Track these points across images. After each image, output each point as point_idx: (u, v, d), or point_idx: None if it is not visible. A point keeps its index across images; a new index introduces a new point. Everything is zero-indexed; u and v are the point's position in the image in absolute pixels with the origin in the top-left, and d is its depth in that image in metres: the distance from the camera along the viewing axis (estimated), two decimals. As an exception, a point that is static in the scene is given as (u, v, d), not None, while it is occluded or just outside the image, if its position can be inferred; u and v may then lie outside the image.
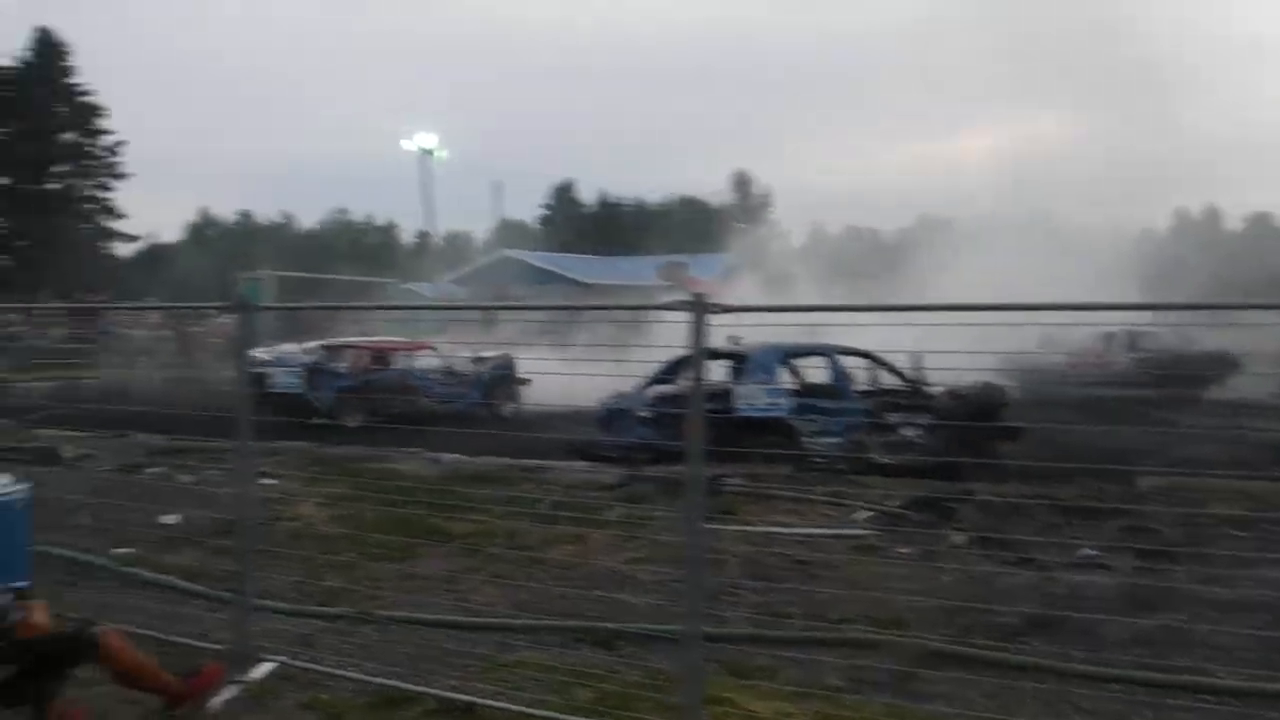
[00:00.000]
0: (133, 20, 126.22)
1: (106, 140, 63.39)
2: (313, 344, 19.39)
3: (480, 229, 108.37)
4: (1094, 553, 7.74)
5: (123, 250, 69.70)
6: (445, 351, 19.86)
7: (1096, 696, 5.68)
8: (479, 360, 19.69)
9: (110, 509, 9.47)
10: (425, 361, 20.18)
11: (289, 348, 18.67)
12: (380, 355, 20.06)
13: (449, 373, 19.63)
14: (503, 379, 18.95)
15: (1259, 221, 68.33)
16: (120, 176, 64.11)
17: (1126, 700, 5.65)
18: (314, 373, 18.41)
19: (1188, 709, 5.52)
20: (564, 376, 6.67)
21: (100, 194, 64.02)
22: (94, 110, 62.43)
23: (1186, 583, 7.07)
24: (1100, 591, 7.09)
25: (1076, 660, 6.09)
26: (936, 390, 11.99)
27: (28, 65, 60.23)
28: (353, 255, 75.31)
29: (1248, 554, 7.35)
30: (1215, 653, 6.16)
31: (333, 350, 19.56)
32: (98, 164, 63.45)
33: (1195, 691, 5.71)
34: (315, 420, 16.10)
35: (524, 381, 16.98)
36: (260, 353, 16.15)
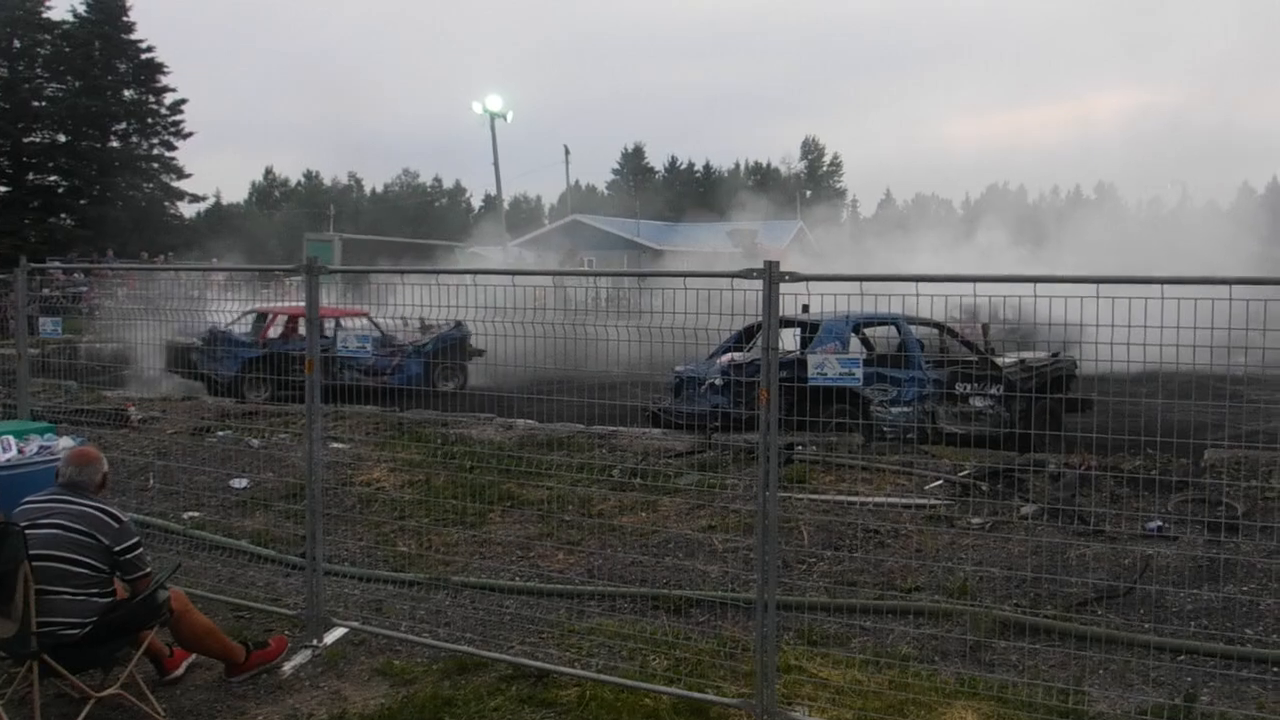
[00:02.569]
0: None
1: (168, 99, 63.48)
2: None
3: (549, 193, 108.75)
4: (1161, 524, 7.70)
5: (187, 211, 70.31)
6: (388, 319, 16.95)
7: (1164, 667, 5.71)
8: (425, 329, 17.25)
9: (180, 472, 9.72)
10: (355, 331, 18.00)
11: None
12: (295, 323, 17.99)
13: (382, 343, 16.63)
14: (450, 350, 16.69)
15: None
16: (183, 135, 64.23)
17: (1194, 670, 5.66)
18: (213, 342, 15.99)
19: (1256, 680, 5.51)
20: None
21: (163, 153, 64.18)
22: (156, 68, 62.50)
23: (1253, 555, 7.02)
24: (1168, 563, 7.07)
25: (1144, 631, 6.11)
26: (1006, 361, 11.91)
27: (86, 21, 60.07)
28: (420, 218, 75.62)
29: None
30: (1281, 625, 6.15)
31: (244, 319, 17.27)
32: (160, 122, 63.51)
33: (1262, 663, 5.71)
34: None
35: (478, 353, 14.04)
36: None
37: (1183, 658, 5.83)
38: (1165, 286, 4.30)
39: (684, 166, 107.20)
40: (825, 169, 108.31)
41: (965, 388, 12.11)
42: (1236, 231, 37.65)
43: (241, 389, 16.24)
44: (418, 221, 70.85)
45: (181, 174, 64.47)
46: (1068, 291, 4.72)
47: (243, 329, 17.30)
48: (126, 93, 62.50)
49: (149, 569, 5.40)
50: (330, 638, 6.37)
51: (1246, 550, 7.13)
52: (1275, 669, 5.64)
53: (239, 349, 16.89)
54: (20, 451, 7.27)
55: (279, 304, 17.69)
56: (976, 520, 8.17)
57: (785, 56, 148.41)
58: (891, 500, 8.73)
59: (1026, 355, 11.86)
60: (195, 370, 14.41)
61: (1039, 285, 4.67)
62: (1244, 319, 4.49)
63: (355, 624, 6.49)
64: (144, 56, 61.94)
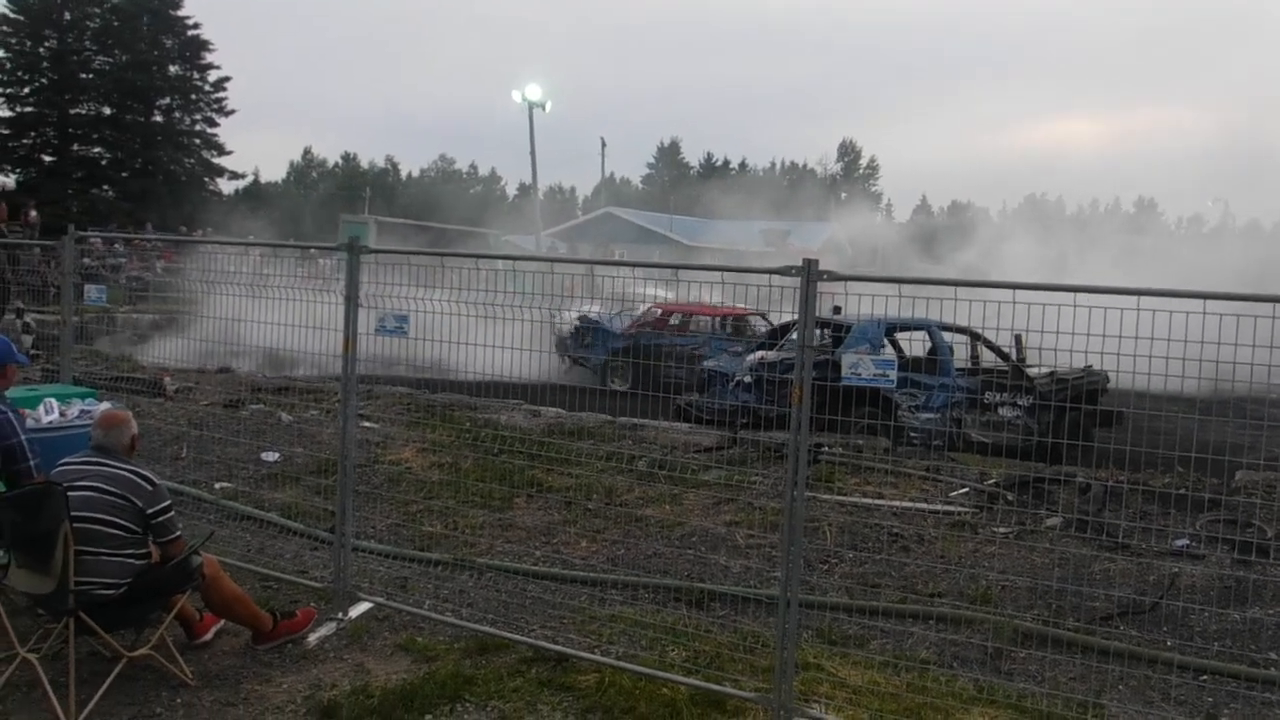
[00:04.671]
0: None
1: (212, 76, 63.80)
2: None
3: (584, 184, 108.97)
4: (1188, 543, 7.67)
5: (226, 187, 70.46)
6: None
7: (1185, 686, 5.69)
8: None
9: (213, 443, 9.83)
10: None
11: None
12: (669, 317, 17.79)
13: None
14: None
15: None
16: (226, 113, 64.54)
17: (1215, 690, 5.64)
18: (582, 331, 16.79)
19: (1279, 704, 5.49)
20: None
21: (205, 129, 64.42)
22: (201, 44, 62.77)
23: (1280, 577, 7.00)
24: (1194, 581, 7.04)
25: (1167, 648, 6.10)
26: (1037, 372, 11.87)
27: None
28: (455, 204, 75.84)
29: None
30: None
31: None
32: (203, 99, 63.81)
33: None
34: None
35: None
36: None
37: (1205, 677, 5.81)
38: (1208, 301, 4.29)
39: (719, 163, 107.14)
40: (861, 171, 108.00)
41: (995, 397, 12.08)
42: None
43: (606, 375, 16.46)
44: (452, 207, 71.01)
45: (222, 150, 64.87)
46: (1107, 302, 4.71)
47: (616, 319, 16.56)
48: (172, 68, 62.77)
49: (180, 532, 5.49)
50: (355, 612, 6.46)
51: (1275, 573, 7.09)
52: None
53: (608, 338, 16.97)
54: (62, 415, 7.37)
55: (673, 299, 16.57)
56: (1001, 529, 8.16)
57: (826, 57, 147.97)
58: (917, 505, 8.73)
59: (1059, 367, 11.83)
60: (567, 354, 15.10)
61: (1078, 295, 4.66)
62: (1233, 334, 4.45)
63: (380, 600, 6.56)
64: (190, 33, 62.24)
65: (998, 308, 5.16)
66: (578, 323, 16.43)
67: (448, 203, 74.94)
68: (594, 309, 15.12)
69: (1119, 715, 5.37)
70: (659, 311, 17.33)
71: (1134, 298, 4.51)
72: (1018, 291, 4.93)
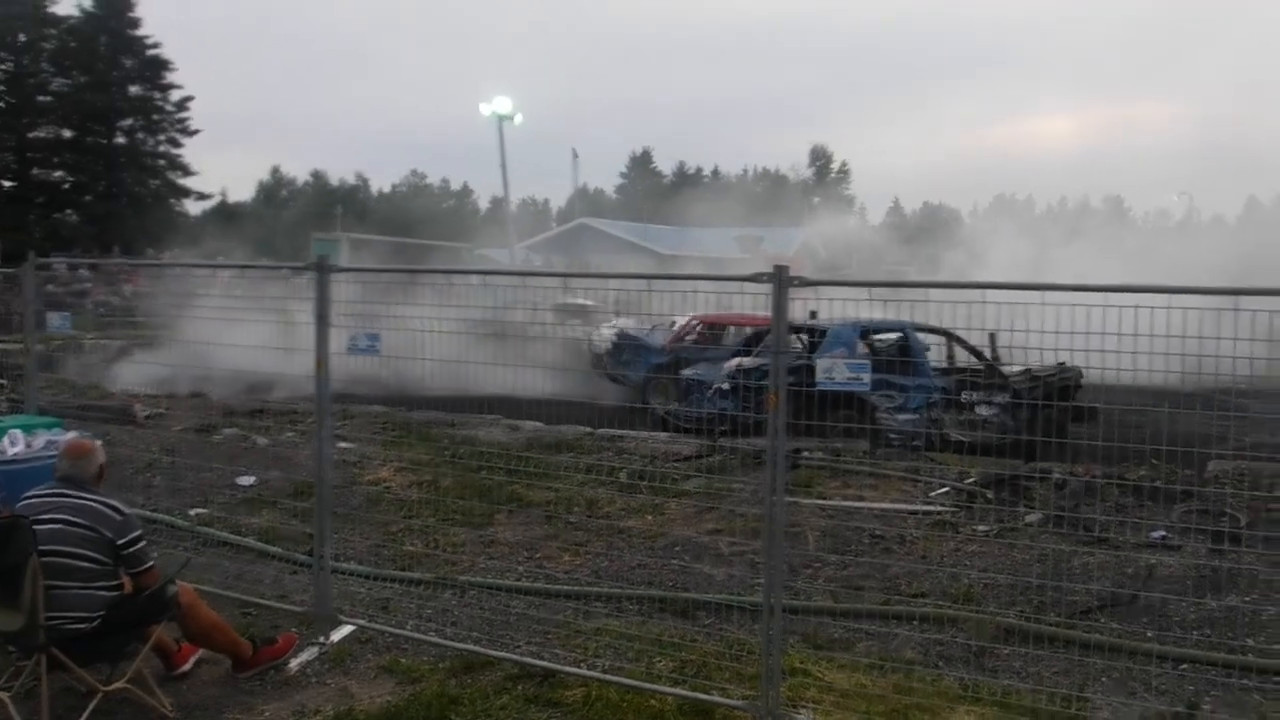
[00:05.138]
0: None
1: (175, 95, 62.77)
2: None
3: (557, 196, 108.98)
4: (1165, 534, 7.73)
5: (194, 208, 69.73)
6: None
7: (1167, 675, 5.72)
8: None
9: (186, 469, 9.73)
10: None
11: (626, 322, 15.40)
12: (714, 330, 16.92)
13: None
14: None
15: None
16: (190, 133, 63.53)
17: (1196, 679, 5.67)
18: (620, 347, 15.83)
19: (1257, 689, 5.54)
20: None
21: (169, 150, 63.45)
22: (162, 64, 61.82)
23: (1255, 565, 7.04)
24: (1171, 572, 7.09)
25: (1147, 639, 6.13)
26: (1013, 370, 11.93)
27: (92, 16, 59.32)
28: (428, 219, 75.60)
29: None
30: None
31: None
32: (166, 119, 62.81)
33: (1264, 672, 5.73)
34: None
35: None
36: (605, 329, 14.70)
37: (1185, 666, 5.83)
38: (1173, 296, 4.32)
39: (692, 171, 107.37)
40: (833, 176, 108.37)
41: (971, 396, 12.13)
42: (1242, 244, 37.62)
43: (646, 393, 15.34)
44: (425, 222, 70.81)
45: (188, 171, 64.09)
46: (1074, 300, 4.73)
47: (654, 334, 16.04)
48: (132, 89, 61.84)
49: (153, 562, 5.42)
50: (337, 635, 6.40)
51: (1249, 560, 7.15)
52: (1276, 678, 5.65)
53: (648, 353, 16.07)
54: (28, 446, 7.29)
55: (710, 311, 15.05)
56: (982, 527, 8.19)
57: (796, 63, 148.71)
58: (897, 506, 8.75)
59: (1033, 364, 11.89)
60: (606, 371, 14.08)
61: (1047, 294, 4.69)
62: (1249, 330, 4.50)
63: (362, 622, 6.51)
64: (150, 53, 61.38)
65: (969, 308, 5.18)
66: (615, 339, 15.78)
67: (421, 218, 74.77)
68: (630, 323, 14.76)
69: (1103, 708, 5.39)
70: (698, 324, 16.78)
71: (1102, 294, 4.55)
72: (988, 291, 4.95)
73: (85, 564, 5.11)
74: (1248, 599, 6.67)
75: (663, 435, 11.33)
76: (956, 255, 47.13)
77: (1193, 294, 4.33)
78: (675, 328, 16.38)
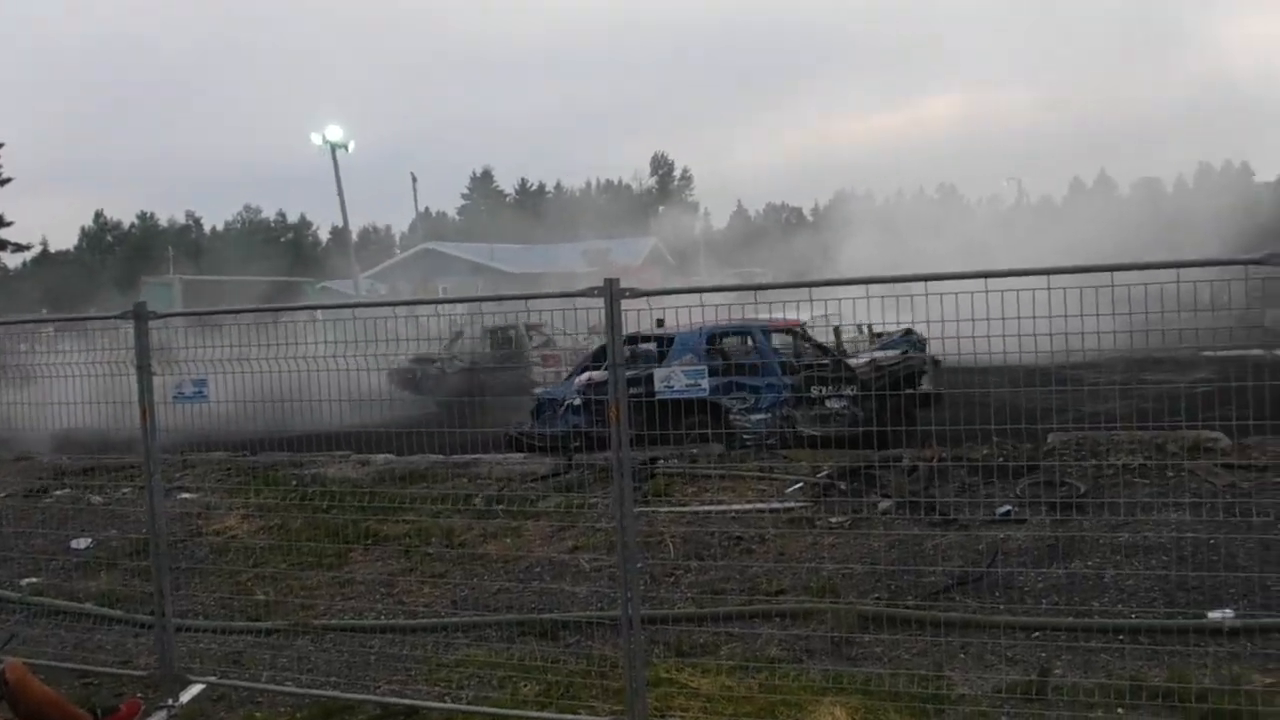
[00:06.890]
0: (8, 16, 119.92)
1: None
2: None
3: (399, 222, 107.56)
4: (1010, 509, 7.97)
5: (10, 261, 67.01)
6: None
7: (1020, 645, 5.89)
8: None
9: (14, 537, 9.23)
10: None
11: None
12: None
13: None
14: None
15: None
16: (1, 182, 61.28)
17: (1047, 646, 5.85)
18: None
19: (1104, 649, 5.74)
20: None
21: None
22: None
23: (1095, 531, 7.32)
24: (1018, 545, 7.32)
25: (999, 612, 6.30)
26: (858, 362, 12.17)
27: None
28: (266, 255, 73.69)
29: (1149, 500, 7.63)
30: (1124, 595, 6.44)
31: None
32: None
33: (1108, 632, 5.96)
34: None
35: None
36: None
37: (1036, 634, 6.02)
38: (989, 280, 4.45)
39: (534, 188, 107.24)
40: (676, 183, 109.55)
41: (820, 390, 12.32)
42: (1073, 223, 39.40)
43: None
44: (264, 258, 68.94)
45: (1, 222, 61.34)
46: (899, 291, 4.84)
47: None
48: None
49: None
50: (187, 696, 6.14)
51: (1089, 527, 7.42)
52: (1121, 638, 5.87)
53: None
54: None
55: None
56: (836, 519, 8.31)
57: (628, 75, 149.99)
58: (755, 506, 8.83)
59: (878, 354, 12.17)
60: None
61: (871, 285, 4.79)
62: (1077, 307, 4.66)
63: (213, 679, 6.26)
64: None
65: (825, 304, 5.27)
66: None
67: (259, 253, 72.79)
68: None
69: (961, 683, 5.51)
70: None
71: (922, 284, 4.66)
72: (814, 289, 5.03)
73: None
74: (1090, 564, 6.92)
75: (517, 456, 11.19)
76: (809, 251, 48.12)
77: (1005, 276, 4.46)
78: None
